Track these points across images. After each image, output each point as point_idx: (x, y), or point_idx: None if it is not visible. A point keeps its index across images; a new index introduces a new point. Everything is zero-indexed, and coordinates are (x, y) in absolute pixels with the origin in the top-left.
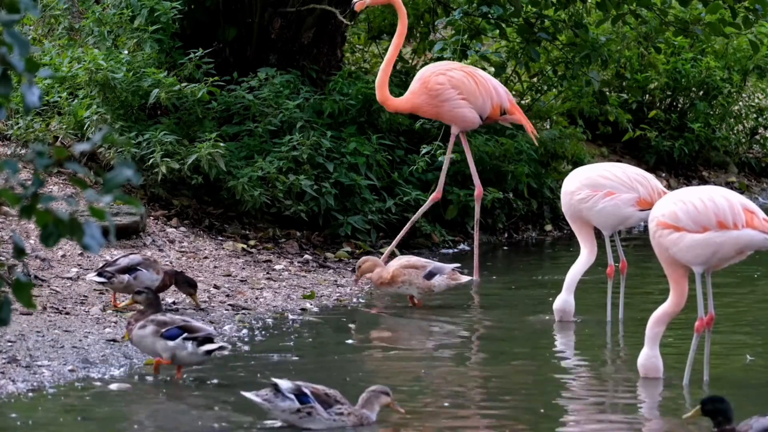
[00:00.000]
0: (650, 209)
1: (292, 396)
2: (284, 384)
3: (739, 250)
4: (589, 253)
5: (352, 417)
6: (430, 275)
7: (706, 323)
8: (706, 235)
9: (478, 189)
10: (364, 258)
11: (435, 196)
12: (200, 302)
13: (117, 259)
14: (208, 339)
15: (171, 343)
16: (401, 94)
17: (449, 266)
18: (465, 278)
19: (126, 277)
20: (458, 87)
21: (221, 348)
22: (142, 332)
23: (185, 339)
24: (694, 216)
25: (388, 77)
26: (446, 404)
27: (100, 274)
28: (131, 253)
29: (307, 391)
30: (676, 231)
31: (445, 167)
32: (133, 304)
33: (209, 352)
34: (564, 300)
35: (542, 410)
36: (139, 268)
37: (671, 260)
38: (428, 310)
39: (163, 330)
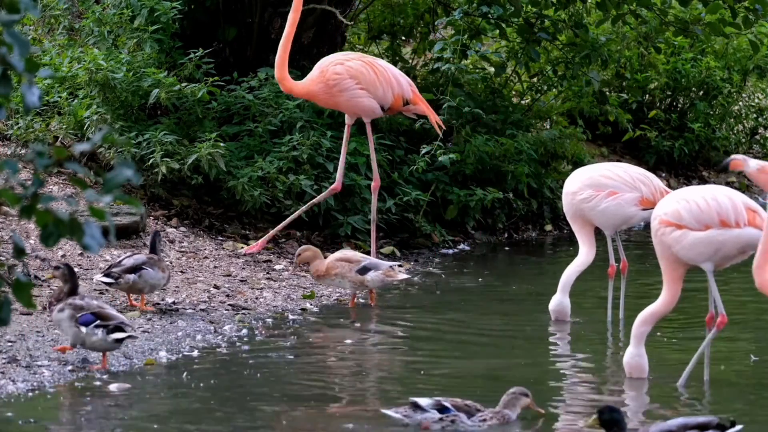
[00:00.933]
0: (653, 209)
1: (433, 410)
2: (424, 401)
3: (741, 249)
4: (587, 253)
5: (495, 419)
6: (363, 270)
7: (718, 324)
8: (708, 233)
9: (376, 181)
10: (304, 247)
11: (335, 187)
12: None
13: (122, 260)
14: (119, 328)
15: (83, 329)
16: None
17: (387, 263)
18: (402, 276)
19: (132, 276)
20: (356, 77)
21: (131, 337)
22: (61, 315)
23: (96, 326)
24: (696, 214)
25: (287, 55)
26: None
27: (107, 275)
28: (135, 253)
29: (447, 404)
30: (678, 229)
31: (342, 158)
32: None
33: (119, 341)
34: (559, 301)
35: (542, 410)
36: (144, 267)
37: (672, 259)
38: (427, 310)
39: (78, 315)
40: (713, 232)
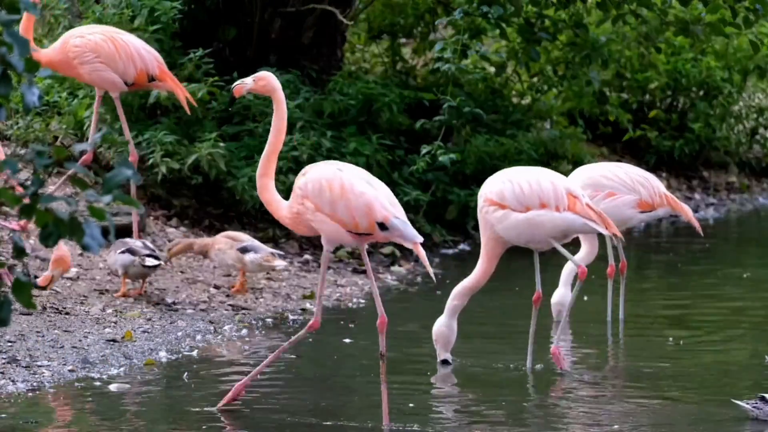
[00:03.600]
0: (651, 211)
1: None
2: None
3: (560, 232)
4: (589, 251)
5: None
6: (244, 249)
7: (535, 300)
8: (528, 215)
9: (133, 155)
10: (176, 241)
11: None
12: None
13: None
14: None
15: None
16: (401, 95)
17: (268, 249)
18: (280, 263)
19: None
20: (96, 51)
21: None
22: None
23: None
24: (519, 196)
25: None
26: (445, 404)
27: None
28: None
29: None
30: (501, 209)
31: (93, 125)
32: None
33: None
34: (562, 294)
35: (541, 410)
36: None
37: (493, 237)
38: (427, 310)
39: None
40: (532, 213)
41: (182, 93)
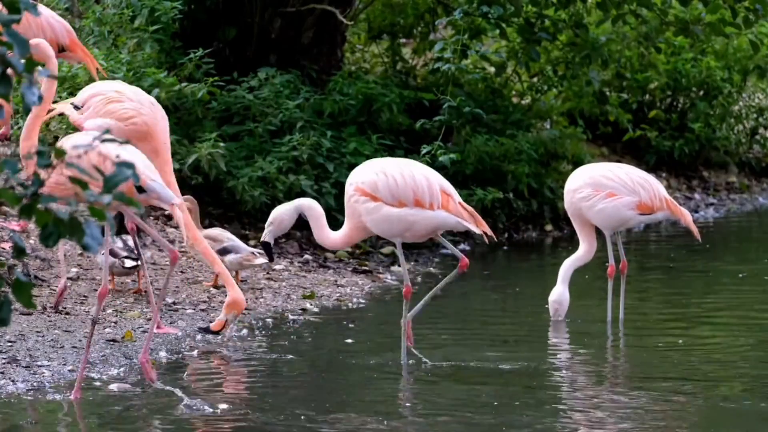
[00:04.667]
0: (651, 214)
1: None
2: None
3: (431, 230)
4: (587, 250)
5: None
6: (223, 251)
7: (405, 294)
8: (402, 211)
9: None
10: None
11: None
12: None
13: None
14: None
15: None
16: (401, 95)
17: (249, 249)
18: (260, 260)
19: None
20: None
21: None
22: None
23: None
24: (393, 189)
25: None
26: (444, 405)
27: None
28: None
29: None
30: (373, 201)
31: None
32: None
33: None
34: (560, 292)
35: (540, 409)
36: None
37: (360, 227)
38: (428, 310)
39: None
40: (407, 210)
41: (93, 64)
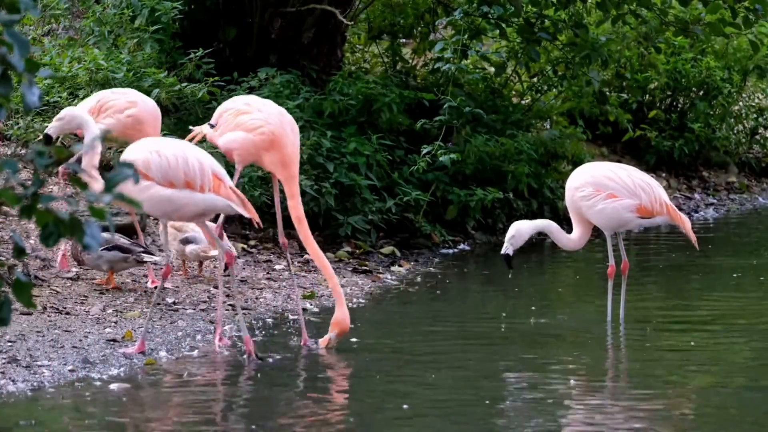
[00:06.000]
0: (650, 218)
1: None
2: None
3: (200, 212)
4: (575, 240)
5: None
6: (185, 241)
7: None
8: (172, 192)
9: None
10: None
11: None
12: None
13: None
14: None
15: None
16: (401, 95)
17: (207, 241)
18: (213, 252)
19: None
20: None
21: None
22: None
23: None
24: (165, 170)
25: None
26: (443, 404)
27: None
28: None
29: None
30: (145, 179)
31: None
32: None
33: None
34: (525, 225)
35: (540, 410)
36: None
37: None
38: (428, 310)
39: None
40: (176, 192)
41: None
